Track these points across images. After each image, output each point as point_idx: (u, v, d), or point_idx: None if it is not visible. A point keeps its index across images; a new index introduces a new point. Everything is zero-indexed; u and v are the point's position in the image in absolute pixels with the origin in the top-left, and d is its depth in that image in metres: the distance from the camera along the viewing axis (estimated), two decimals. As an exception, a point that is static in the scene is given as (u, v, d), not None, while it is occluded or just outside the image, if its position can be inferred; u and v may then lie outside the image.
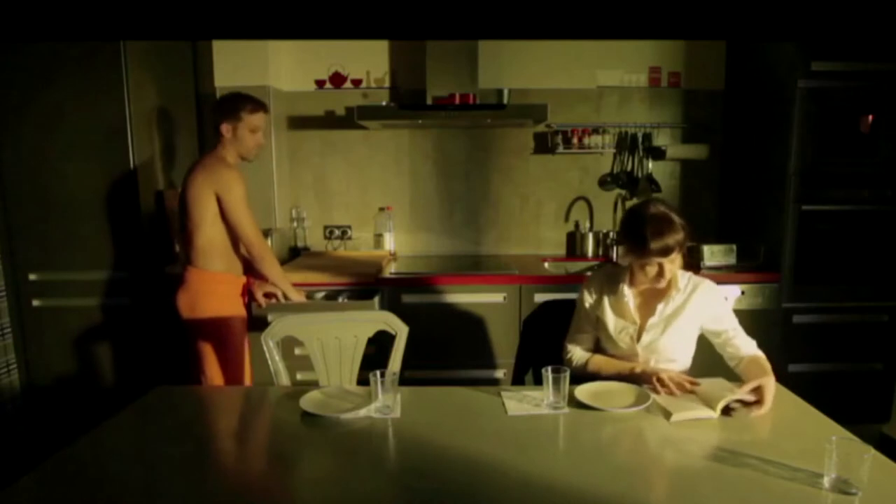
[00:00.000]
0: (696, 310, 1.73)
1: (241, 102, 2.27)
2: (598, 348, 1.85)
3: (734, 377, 1.67)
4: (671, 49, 3.25)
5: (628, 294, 1.75)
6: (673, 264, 1.65)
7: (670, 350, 1.73)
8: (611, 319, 1.77)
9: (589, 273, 1.89)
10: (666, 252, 1.61)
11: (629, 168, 3.28)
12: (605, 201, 3.32)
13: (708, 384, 1.61)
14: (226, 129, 2.26)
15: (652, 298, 1.76)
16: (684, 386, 1.56)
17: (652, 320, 1.73)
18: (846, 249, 2.80)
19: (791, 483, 1.16)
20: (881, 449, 1.23)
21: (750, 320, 2.45)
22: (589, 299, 1.83)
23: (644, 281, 1.71)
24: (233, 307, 2.34)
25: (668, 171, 3.33)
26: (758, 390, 1.53)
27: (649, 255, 1.61)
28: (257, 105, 2.29)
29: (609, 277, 1.82)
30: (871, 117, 2.69)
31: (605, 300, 1.79)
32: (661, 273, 1.65)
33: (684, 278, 1.75)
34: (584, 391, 1.59)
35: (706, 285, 1.75)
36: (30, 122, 2.61)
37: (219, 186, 2.21)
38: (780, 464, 1.23)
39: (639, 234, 1.62)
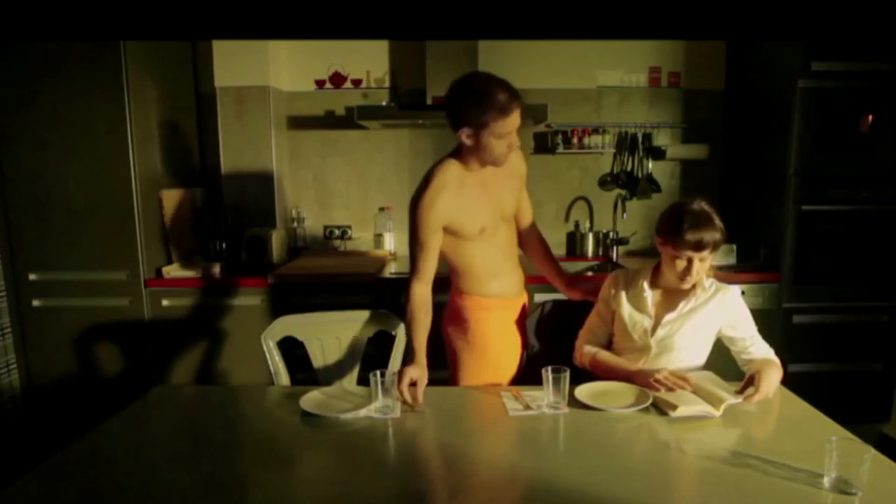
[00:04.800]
0: (716, 313, 1.72)
1: (489, 103, 1.61)
2: (610, 345, 1.85)
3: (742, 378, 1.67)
4: (671, 49, 3.25)
5: (648, 291, 1.76)
6: (702, 263, 1.65)
7: (684, 348, 1.73)
8: (627, 312, 1.78)
9: (615, 271, 1.90)
10: (700, 247, 1.61)
11: (629, 168, 3.28)
12: (605, 201, 3.32)
13: (699, 378, 1.62)
14: (466, 134, 1.67)
15: (672, 297, 1.75)
16: (679, 384, 1.56)
17: (669, 316, 1.73)
18: (846, 249, 2.79)
19: (791, 483, 1.16)
20: (881, 449, 1.23)
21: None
22: (609, 294, 1.83)
23: (670, 278, 1.71)
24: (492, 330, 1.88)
25: (668, 171, 3.33)
26: (754, 378, 1.55)
27: (683, 246, 1.61)
28: (508, 104, 1.62)
29: (631, 275, 1.83)
30: (871, 117, 2.69)
31: (624, 295, 1.80)
32: (688, 270, 1.65)
33: (709, 282, 1.75)
34: (583, 391, 1.59)
35: (729, 290, 1.75)
36: (30, 122, 2.60)
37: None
38: (780, 464, 1.22)
39: (677, 224, 1.62)
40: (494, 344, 1.87)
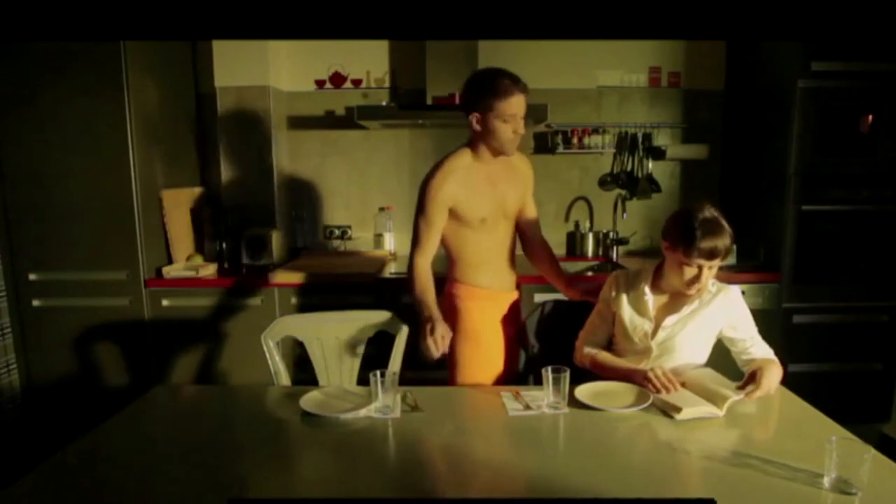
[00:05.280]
0: (716, 314, 1.71)
1: (493, 86, 1.78)
2: (611, 345, 1.85)
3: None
4: (671, 49, 3.25)
5: (649, 295, 1.75)
6: (711, 271, 1.63)
7: (685, 350, 1.72)
8: (627, 315, 1.77)
9: (616, 272, 1.90)
10: (712, 255, 1.59)
11: (629, 168, 3.28)
12: (605, 201, 3.32)
13: (699, 375, 1.62)
14: (475, 119, 1.82)
15: (674, 299, 1.75)
16: (667, 386, 1.55)
17: (670, 319, 1.72)
18: (846, 249, 2.79)
19: (791, 483, 1.16)
20: (881, 449, 1.23)
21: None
22: (609, 296, 1.83)
23: (676, 283, 1.68)
24: (480, 322, 1.96)
25: (668, 171, 3.33)
26: (755, 375, 1.54)
27: (696, 255, 1.58)
28: (510, 87, 1.78)
29: (632, 277, 1.82)
30: (870, 117, 2.69)
31: (625, 297, 1.79)
32: (697, 278, 1.62)
33: (710, 282, 1.73)
34: (583, 391, 1.59)
35: (730, 291, 1.74)
36: (30, 122, 2.60)
37: None
38: (780, 463, 1.23)
39: (689, 232, 1.59)
40: (486, 334, 1.95)
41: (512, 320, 2.03)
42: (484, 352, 1.94)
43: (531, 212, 2.08)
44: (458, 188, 1.83)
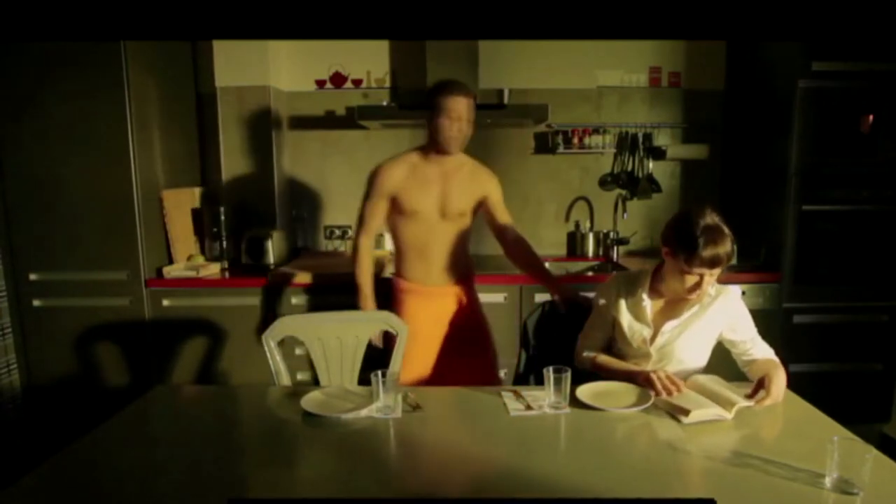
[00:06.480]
0: (716, 317, 1.70)
1: (440, 87, 2.06)
2: (611, 348, 1.84)
3: (745, 380, 1.66)
4: (671, 49, 3.25)
5: (647, 301, 1.73)
6: (712, 278, 1.61)
7: (684, 354, 1.72)
8: (626, 321, 1.76)
9: (612, 274, 1.89)
10: (715, 263, 1.55)
11: (629, 168, 3.28)
12: (606, 201, 3.32)
13: (704, 380, 1.62)
14: (428, 119, 2.08)
15: (673, 304, 1.73)
16: (669, 389, 1.54)
17: (669, 324, 1.70)
18: (846, 249, 2.80)
19: (792, 483, 1.16)
20: (881, 449, 1.23)
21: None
22: (606, 301, 1.81)
23: (676, 289, 1.66)
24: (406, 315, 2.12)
25: (669, 171, 3.33)
26: (763, 382, 1.54)
27: (699, 264, 1.55)
28: (453, 87, 2.03)
29: (629, 281, 1.80)
30: (871, 117, 2.69)
31: (623, 302, 1.77)
32: (698, 285, 1.60)
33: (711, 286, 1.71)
34: (585, 391, 1.59)
35: (729, 293, 1.72)
36: (30, 122, 2.60)
37: None
38: (781, 464, 1.23)
39: (690, 240, 1.55)
40: (415, 326, 2.04)
41: (454, 318, 2.14)
42: (416, 344, 2.03)
43: (501, 216, 2.22)
44: (402, 179, 2.07)
